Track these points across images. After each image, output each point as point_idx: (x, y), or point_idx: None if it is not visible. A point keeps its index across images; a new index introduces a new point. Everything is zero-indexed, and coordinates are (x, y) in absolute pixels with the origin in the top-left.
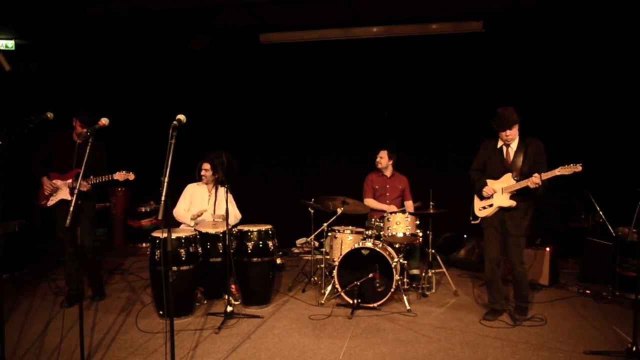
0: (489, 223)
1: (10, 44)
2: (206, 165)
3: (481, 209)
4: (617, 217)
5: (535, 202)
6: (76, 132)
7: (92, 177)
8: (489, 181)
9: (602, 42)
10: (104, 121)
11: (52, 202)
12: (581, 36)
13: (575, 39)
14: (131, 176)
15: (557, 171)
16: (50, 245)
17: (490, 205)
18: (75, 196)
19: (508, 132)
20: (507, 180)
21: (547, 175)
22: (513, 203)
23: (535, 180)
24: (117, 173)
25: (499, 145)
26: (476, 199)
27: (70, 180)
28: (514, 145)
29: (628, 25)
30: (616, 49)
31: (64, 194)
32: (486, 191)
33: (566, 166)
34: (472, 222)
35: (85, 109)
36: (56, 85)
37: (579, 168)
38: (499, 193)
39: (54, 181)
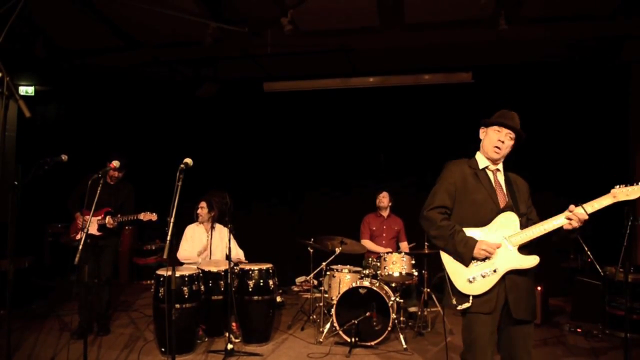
0: (489, 304)
1: (30, 90)
2: (202, 204)
3: (472, 281)
4: (605, 257)
5: None
6: (110, 175)
7: (119, 215)
8: (468, 230)
9: (585, 90)
10: (115, 163)
11: (80, 235)
12: (564, 87)
13: (558, 90)
14: (154, 217)
15: (614, 196)
16: (58, 281)
17: (493, 272)
18: (85, 235)
19: (510, 138)
20: (510, 224)
21: (596, 205)
22: (536, 259)
23: (581, 215)
24: (142, 214)
25: (481, 166)
26: (454, 266)
27: (100, 217)
28: (501, 170)
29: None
30: (598, 95)
31: (92, 229)
32: (486, 248)
33: (629, 187)
34: (460, 307)
35: (118, 153)
36: (71, 129)
37: None
38: (503, 247)
39: (86, 217)
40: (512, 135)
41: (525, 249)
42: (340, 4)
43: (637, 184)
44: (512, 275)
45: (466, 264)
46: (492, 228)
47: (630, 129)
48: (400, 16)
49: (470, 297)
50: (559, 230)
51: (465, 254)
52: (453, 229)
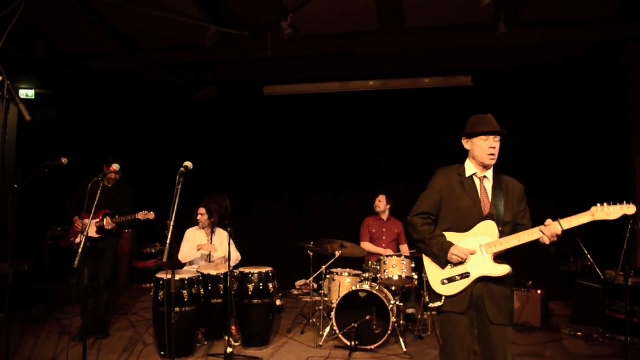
0: (461, 304)
1: (30, 93)
2: (202, 210)
3: (445, 282)
4: (605, 260)
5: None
6: (108, 177)
7: (117, 216)
8: (450, 235)
9: (585, 93)
10: (115, 167)
11: (79, 239)
12: (563, 91)
13: (557, 94)
14: (152, 215)
15: (592, 215)
16: (58, 285)
17: (465, 276)
18: (85, 238)
19: (498, 139)
20: (489, 233)
21: (573, 222)
22: (508, 269)
23: (554, 231)
24: (139, 213)
25: (468, 174)
26: (432, 267)
27: (98, 220)
28: (490, 177)
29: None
30: (598, 98)
31: (91, 231)
32: (459, 254)
33: (610, 206)
34: (431, 305)
35: (116, 156)
36: (71, 133)
37: (632, 209)
38: (478, 254)
39: (85, 221)
40: (498, 137)
41: (502, 258)
42: (341, 8)
43: (617, 204)
44: (487, 281)
45: (442, 267)
46: (471, 235)
47: (630, 132)
48: (400, 20)
49: (443, 298)
50: (536, 242)
51: (441, 257)
52: (432, 233)
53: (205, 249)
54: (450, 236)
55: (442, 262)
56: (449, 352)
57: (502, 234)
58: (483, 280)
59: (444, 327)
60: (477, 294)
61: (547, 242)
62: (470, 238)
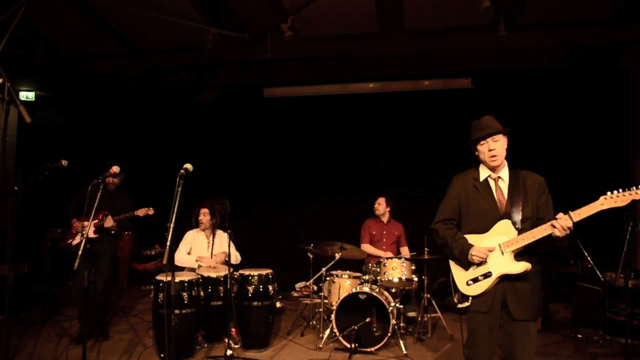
0: (485, 304)
1: (30, 95)
2: (204, 210)
3: (470, 283)
4: (605, 262)
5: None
6: (109, 182)
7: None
8: (470, 237)
9: (584, 95)
10: (115, 169)
11: (77, 241)
12: (563, 93)
13: (557, 96)
14: (151, 211)
15: (601, 204)
16: (57, 287)
17: (487, 275)
18: (84, 241)
19: (497, 139)
20: (505, 231)
21: (583, 213)
22: (527, 266)
23: (565, 223)
24: (138, 210)
25: (482, 178)
26: (456, 270)
27: (97, 220)
28: (504, 176)
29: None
30: (597, 100)
31: (90, 233)
32: (477, 254)
33: (618, 193)
34: (460, 305)
35: (115, 161)
36: (71, 134)
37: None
38: (496, 253)
39: (84, 223)
40: (497, 137)
41: (524, 255)
42: (340, 11)
43: (627, 190)
44: (511, 279)
45: (465, 268)
46: (490, 235)
47: (630, 133)
48: (400, 22)
49: (470, 298)
50: (550, 237)
51: (462, 259)
52: (453, 237)
53: (204, 262)
54: (471, 238)
55: (464, 264)
56: (471, 349)
57: (522, 231)
58: (506, 278)
59: (469, 325)
60: (501, 292)
61: (560, 235)
62: (489, 238)
